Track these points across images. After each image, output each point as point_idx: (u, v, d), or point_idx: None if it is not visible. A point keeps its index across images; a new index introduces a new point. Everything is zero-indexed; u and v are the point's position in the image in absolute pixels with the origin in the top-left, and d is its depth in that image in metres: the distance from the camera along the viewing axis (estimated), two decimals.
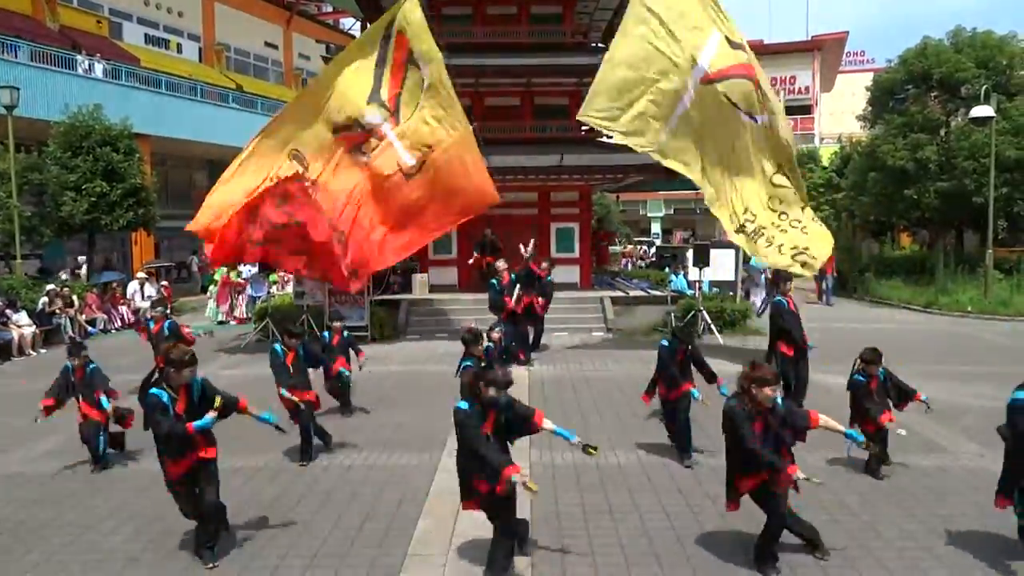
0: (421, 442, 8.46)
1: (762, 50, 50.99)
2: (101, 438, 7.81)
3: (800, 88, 50.36)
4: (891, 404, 7.22)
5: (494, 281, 13.73)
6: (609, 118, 12.61)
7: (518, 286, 13.49)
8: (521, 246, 14.56)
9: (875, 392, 7.19)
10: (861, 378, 7.18)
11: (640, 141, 12.65)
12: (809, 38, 51.33)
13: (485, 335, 8.99)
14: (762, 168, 12.83)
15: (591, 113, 12.70)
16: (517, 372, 12.29)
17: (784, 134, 12.98)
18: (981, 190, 21.26)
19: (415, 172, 13.63)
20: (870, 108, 26.18)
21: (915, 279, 23.55)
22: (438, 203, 13.82)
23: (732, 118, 12.48)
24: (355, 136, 13.83)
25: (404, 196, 13.70)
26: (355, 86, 13.81)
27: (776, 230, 12.61)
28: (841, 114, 46.59)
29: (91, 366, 7.97)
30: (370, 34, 14.54)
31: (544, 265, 14.01)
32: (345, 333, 10.20)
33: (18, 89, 18.98)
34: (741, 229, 12.76)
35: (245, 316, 19.95)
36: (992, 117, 19.67)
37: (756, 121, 12.58)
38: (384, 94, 13.92)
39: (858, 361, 7.25)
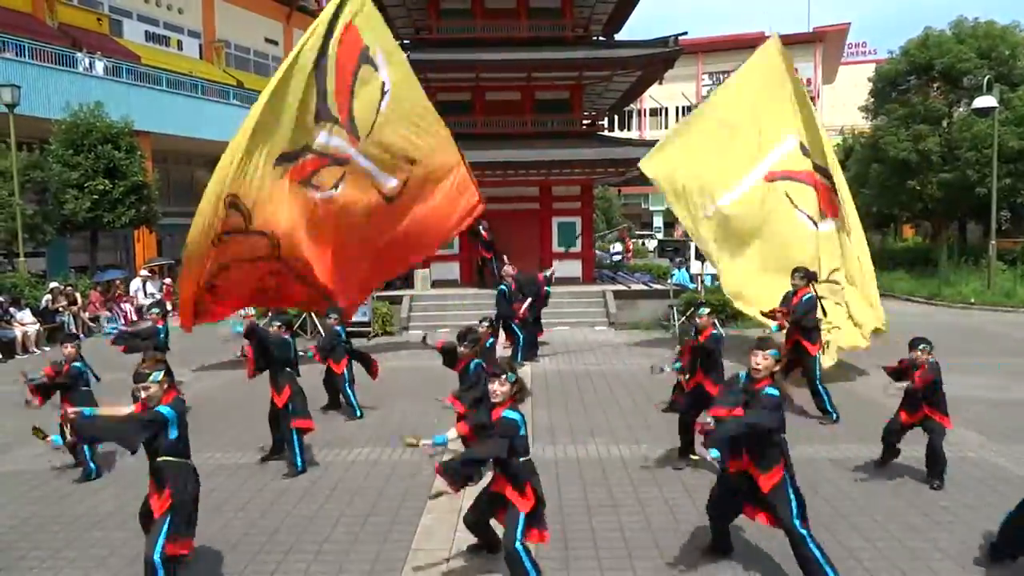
0: (425, 436, 8.46)
1: (763, 42, 50.93)
2: (87, 446, 7.42)
3: (802, 80, 50.10)
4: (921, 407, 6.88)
5: (504, 288, 13.11)
6: (663, 178, 12.87)
7: (529, 300, 13.03)
8: (545, 272, 14.38)
9: (918, 386, 6.76)
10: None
11: (678, 210, 12.75)
12: (811, 30, 51.25)
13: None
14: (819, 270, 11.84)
15: (649, 167, 12.99)
16: (520, 369, 12.35)
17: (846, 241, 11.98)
18: (984, 181, 21.23)
19: (397, 194, 11.95)
20: (872, 99, 26.12)
21: (918, 271, 23.54)
22: (426, 221, 12.39)
23: (789, 217, 12.03)
24: (302, 164, 11.29)
25: (387, 223, 11.96)
26: (298, 103, 11.13)
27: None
28: (843, 106, 46.51)
29: (76, 365, 7.63)
30: (308, 36, 11.48)
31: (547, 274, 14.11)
32: (338, 328, 9.83)
33: (19, 87, 19.00)
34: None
35: None
36: (995, 107, 19.61)
37: (817, 228, 11.94)
38: (332, 106, 11.40)
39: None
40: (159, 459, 4.80)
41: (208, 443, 8.37)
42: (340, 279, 11.97)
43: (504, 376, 4.89)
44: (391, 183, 11.99)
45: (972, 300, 19.96)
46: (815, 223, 12.06)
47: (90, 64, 25.53)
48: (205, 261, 10.91)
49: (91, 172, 20.57)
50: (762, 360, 4.88)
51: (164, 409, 4.79)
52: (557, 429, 8.82)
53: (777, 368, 4.92)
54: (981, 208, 22.46)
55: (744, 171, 12.26)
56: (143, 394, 4.85)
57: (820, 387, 9.17)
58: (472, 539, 5.49)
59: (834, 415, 9.02)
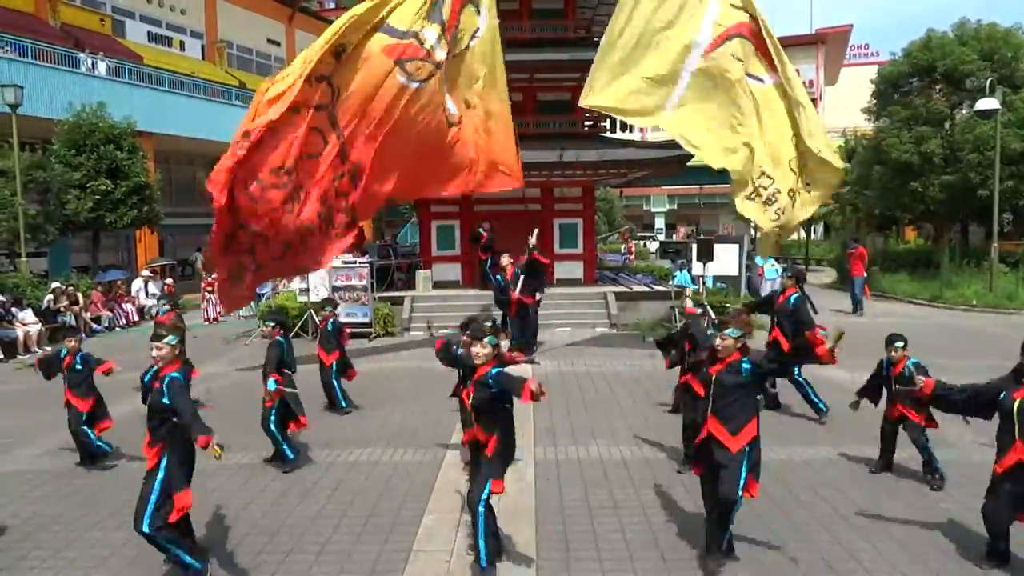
0: (426, 437, 8.48)
1: None
2: (88, 430, 7.74)
3: (804, 82, 49.95)
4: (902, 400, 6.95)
5: (498, 277, 13.28)
6: (609, 102, 11.75)
7: (522, 277, 13.00)
8: (531, 237, 13.82)
9: (893, 379, 7.00)
10: (886, 361, 7.10)
11: (642, 120, 11.67)
12: (813, 32, 51.24)
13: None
14: (781, 130, 11.61)
15: (591, 99, 11.97)
16: (521, 368, 12.33)
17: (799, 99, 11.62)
18: (986, 183, 21.19)
19: (453, 123, 12.15)
20: (874, 101, 26.08)
21: (920, 273, 23.49)
22: (454, 162, 12.13)
23: (737, 80, 10.68)
24: (405, 46, 10.18)
25: (435, 142, 11.95)
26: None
27: (799, 193, 11.50)
28: (845, 108, 46.49)
29: (81, 354, 7.85)
30: None
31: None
32: (331, 323, 9.98)
33: (22, 87, 19.02)
34: (754, 195, 11.56)
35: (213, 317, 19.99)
36: (997, 110, 19.57)
37: (764, 82, 11.50)
38: (445, 16, 10.57)
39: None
40: (171, 421, 5.08)
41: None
42: (372, 178, 11.33)
43: (485, 339, 5.26)
44: (453, 109, 11.52)
45: (974, 302, 19.93)
46: (762, 80, 11.53)
47: (93, 64, 25.57)
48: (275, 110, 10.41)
49: (93, 172, 20.58)
50: (721, 341, 5.23)
51: (174, 373, 5.14)
52: (558, 430, 8.82)
53: (740, 344, 5.24)
54: (983, 210, 22.41)
55: (684, 47, 11.47)
56: (155, 353, 5.26)
57: (801, 379, 9.20)
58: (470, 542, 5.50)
59: (823, 407, 9.16)
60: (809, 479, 7.05)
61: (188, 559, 5.08)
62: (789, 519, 6.06)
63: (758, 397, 5.35)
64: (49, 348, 15.75)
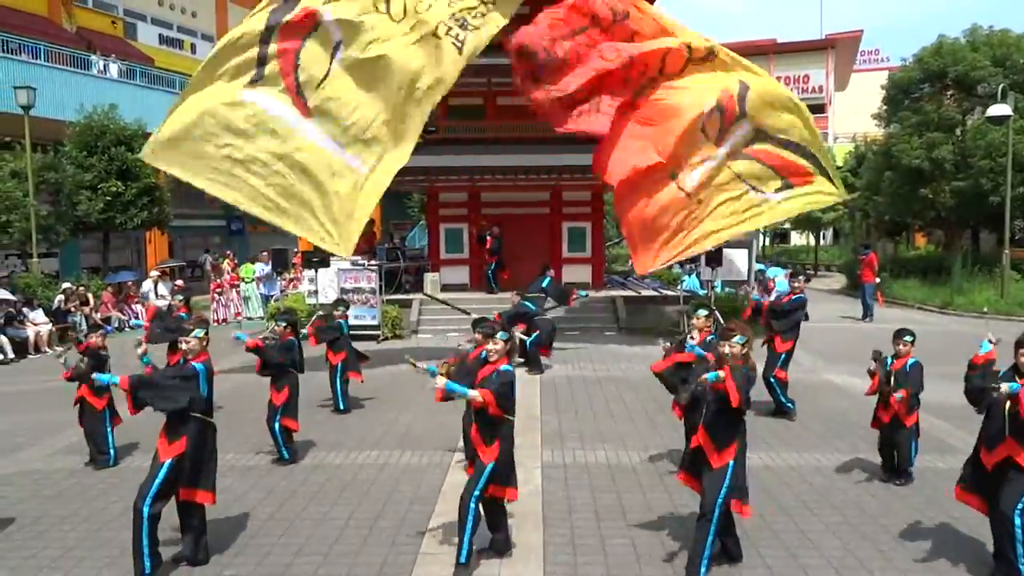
0: (433, 440, 8.48)
1: (775, 49, 50.87)
2: (110, 434, 7.82)
3: (814, 87, 50.11)
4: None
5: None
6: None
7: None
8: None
9: (892, 374, 7.03)
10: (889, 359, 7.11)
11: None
12: (823, 37, 51.06)
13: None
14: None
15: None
16: (527, 375, 12.29)
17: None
18: (997, 190, 21.09)
19: (682, 189, 10.69)
20: (885, 107, 25.99)
21: (931, 280, 23.35)
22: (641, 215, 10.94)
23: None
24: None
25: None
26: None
27: None
28: (855, 113, 46.30)
29: (104, 353, 7.85)
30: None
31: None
32: (341, 322, 10.08)
33: (35, 89, 19.17)
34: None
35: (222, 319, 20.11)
36: (1009, 116, 19.48)
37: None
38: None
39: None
40: (190, 415, 5.24)
41: (219, 444, 8.40)
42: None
43: (497, 335, 5.32)
44: (695, 181, 10.81)
45: (985, 309, 19.73)
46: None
47: (104, 67, 25.75)
48: None
49: (104, 174, 20.72)
50: (729, 348, 5.14)
51: (197, 365, 5.30)
52: (566, 434, 8.81)
53: (746, 350, 5.19)
54: (994, 217, 22.30)
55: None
56: (184, 346, 5.44)
57: (772, 380, 9.33)
58: (478, 543, 5.50)
59: (791, 407, 9.42)
60: (819, 485, 7.02)
61: (145, 554, 5.07)
62: (798, 526, 6.03)
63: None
64: (59, 347, 15.85)
